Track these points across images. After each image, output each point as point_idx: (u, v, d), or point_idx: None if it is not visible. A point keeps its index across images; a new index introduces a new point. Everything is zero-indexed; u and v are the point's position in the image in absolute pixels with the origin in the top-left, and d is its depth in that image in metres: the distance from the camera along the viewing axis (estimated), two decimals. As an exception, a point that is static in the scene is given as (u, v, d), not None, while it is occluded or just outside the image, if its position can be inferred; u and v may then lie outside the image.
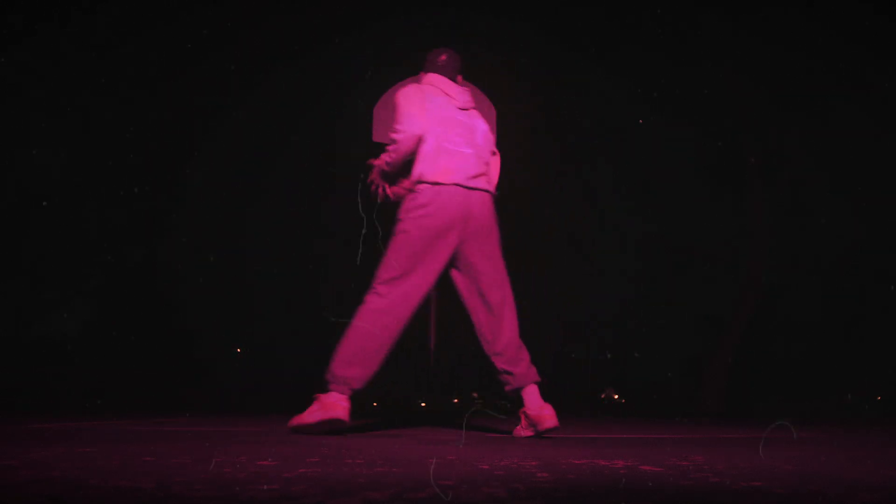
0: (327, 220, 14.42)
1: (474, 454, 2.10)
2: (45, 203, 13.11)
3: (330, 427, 3.07)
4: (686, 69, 11.85)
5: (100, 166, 13.41)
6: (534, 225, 14.36)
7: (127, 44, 11.97)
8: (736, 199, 12.60)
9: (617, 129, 13.42)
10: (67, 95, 12.45)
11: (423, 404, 12.58)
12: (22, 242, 13.29)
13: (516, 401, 3.38)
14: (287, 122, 13.20)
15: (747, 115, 11.78)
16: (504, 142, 7.04)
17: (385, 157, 3.36)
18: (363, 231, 3.28)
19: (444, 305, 6.93)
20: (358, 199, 3.40)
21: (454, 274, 3.37)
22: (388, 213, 3.40)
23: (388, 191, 3.43)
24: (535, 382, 3.34)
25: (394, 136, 3.29)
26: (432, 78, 3.44)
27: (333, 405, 3.06)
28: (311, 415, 3.09)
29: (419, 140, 3.25)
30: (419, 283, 3.18)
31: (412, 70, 5.10)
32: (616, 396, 18.53)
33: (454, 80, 3.48)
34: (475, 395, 19.64)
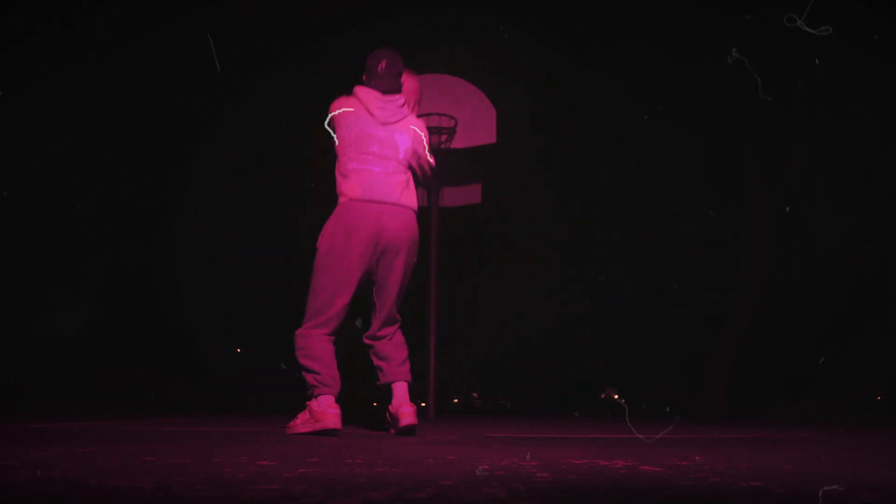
0: (327, 220, 14.40)
1: (474, 454, 2.10)
2: (45, 203, 13.11)
3: (323, 436, 3.11)
4: (686, 69, 11.84)
5: (100, 166, 13.40)
6: (534, 225, 14.37)
7: (127, 44, 11.97)
8: (736, 199, 12.60)
9: (617, 130, 13.42)
10: (67, 96, 12.45)
11: (423, 404, 12.58)
12: (22, 242, 13.29)
13: (386, 395, 3.46)
14: (287, 122, 13.20)
15: (747, 115, 11.78)
16: (504, 142, 7.05)
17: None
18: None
19: (444, 306, 6.93)
20: None
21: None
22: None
23: None
24: (406, 381, 3.40)
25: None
26: (360, 92, 3.46)
27: (324, 414, 3.15)
28: (305, 425, 3.21)
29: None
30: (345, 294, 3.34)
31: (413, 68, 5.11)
32: (616, 396, 18.54)
33: (391, 89, 3.47)
34: (475, 394, 19.65)
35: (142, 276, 14.76)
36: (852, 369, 13.39)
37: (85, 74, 12.27)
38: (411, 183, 3.50)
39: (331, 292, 3.31)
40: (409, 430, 3.25)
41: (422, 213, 3.78)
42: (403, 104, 3.49)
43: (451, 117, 6.68)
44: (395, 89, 3.48)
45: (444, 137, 6.70)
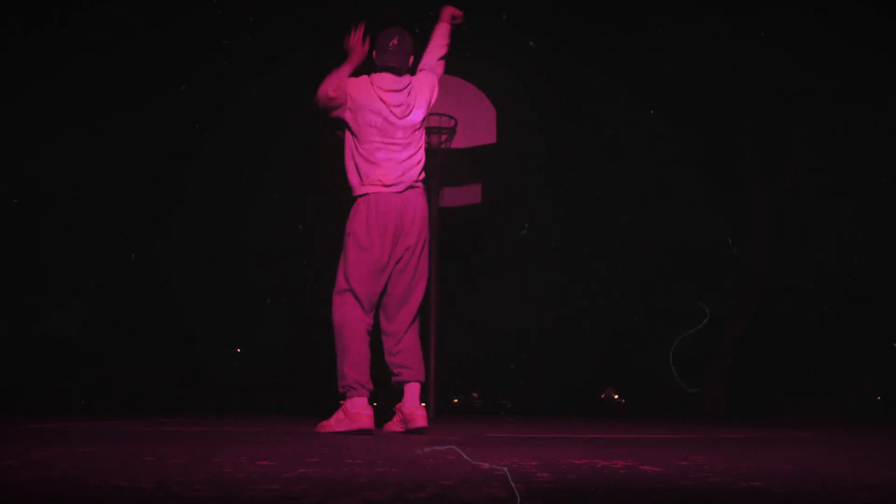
0: (328, 220, 14.40)
1: (474, 454, 2.10)
2: (45, 203, 13.10)
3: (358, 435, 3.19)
4: (686, 70, 11.84)
5: (100, 166, 13.39)
6: (534, 225, 14.36)
7: (127, 43, 11.96)
8: (736, 199, 12.59)
9: (617, 130, 13.40)
10: (68, 96, 12.45)
11: (423, 404, 12.56)
12: (22, 242, 13.29)
13: (398, 394, 3.51)
14: (287, 121, 13.19)
15: (747, 115, 11.77)
16: (504, 142, 7.05)
17: None
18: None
19: (444, 306, 6.93)
20: None
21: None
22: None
23: None
24: (419, 382, 3.46)
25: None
26: (376, 79, 3.48)
27: (359, 415, 3.24)
28: (339, 424, 3.29)
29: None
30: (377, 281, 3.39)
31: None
32: (616, 396, 18.54)
33: (399, 66, 3.50)
34: (475, 394, 19.65)
35: (142, 277, 14.75)
36: (852, 369, 13.39)
37: (85, 74, 12.27)
38: (423, 158, 3.54)
39: (360, 279, 3.34)
40: (419, 431, 3.34)
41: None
42: (408, 90, 3.50)
43: (451, 117, 6.68)
44: (403, 66, 3.52)
45: (444, 137, 6.69)
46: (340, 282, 3.41)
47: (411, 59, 3.57)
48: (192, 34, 11.81)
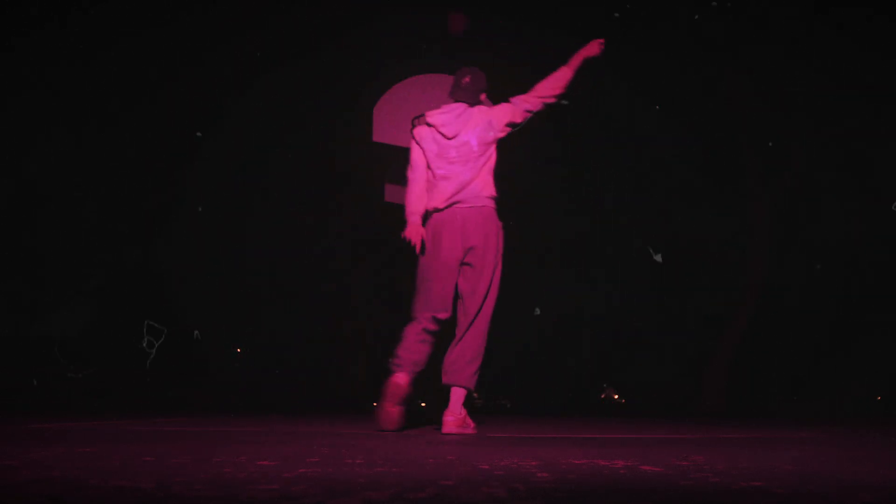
0: (328, 220, 14.41)
1: (474, 454, 2.10)
2: (45, 203, 13.10)
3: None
4: (687, 69, 11.84)
5: (100, 166, 13.39)
6: (534, 225, 14.36)
7: (126, 43, 11.96)
8: (736, 199, 12.59)
9: (617, 130, 13.40)
10: (68, 96, 12.45)
11: (422, 405, 12.58)
12: (22, 242, 13.28)
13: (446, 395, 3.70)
14: (287, 122, 13.19)
15: (747, 116, 11.77)
16: (504, 142, 7.05)
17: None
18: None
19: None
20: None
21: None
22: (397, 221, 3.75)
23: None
24: (466, 388, 3.66)
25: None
26: (430, 118, 3.74)
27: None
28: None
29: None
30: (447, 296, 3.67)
31: (414, 69, 5.15)
32: (616, 396, 18.53)
33: (472, 102, 3.76)
34: (475, 395, 19.65)
35: (142, 277, 14.74)
36: (852, 369, 13.39)
37: (85, 74, 12.27)
38: (490, 176, 3.78)
39: (426, 294, 3.63)
40: (446, 435, 3.46)
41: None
42: (462, 113, 3.72)
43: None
44: (474, 103, 3.78)
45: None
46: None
47: (483, 95, 3.85)
48: (193, 34, 11.81)
